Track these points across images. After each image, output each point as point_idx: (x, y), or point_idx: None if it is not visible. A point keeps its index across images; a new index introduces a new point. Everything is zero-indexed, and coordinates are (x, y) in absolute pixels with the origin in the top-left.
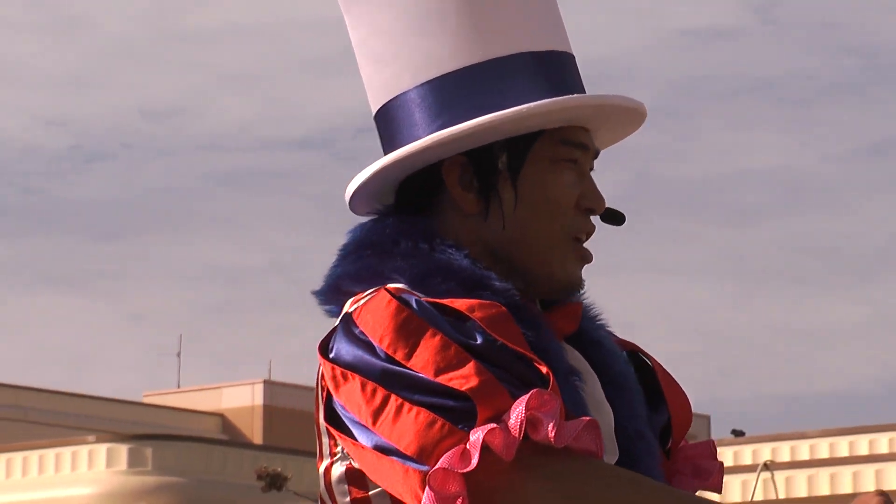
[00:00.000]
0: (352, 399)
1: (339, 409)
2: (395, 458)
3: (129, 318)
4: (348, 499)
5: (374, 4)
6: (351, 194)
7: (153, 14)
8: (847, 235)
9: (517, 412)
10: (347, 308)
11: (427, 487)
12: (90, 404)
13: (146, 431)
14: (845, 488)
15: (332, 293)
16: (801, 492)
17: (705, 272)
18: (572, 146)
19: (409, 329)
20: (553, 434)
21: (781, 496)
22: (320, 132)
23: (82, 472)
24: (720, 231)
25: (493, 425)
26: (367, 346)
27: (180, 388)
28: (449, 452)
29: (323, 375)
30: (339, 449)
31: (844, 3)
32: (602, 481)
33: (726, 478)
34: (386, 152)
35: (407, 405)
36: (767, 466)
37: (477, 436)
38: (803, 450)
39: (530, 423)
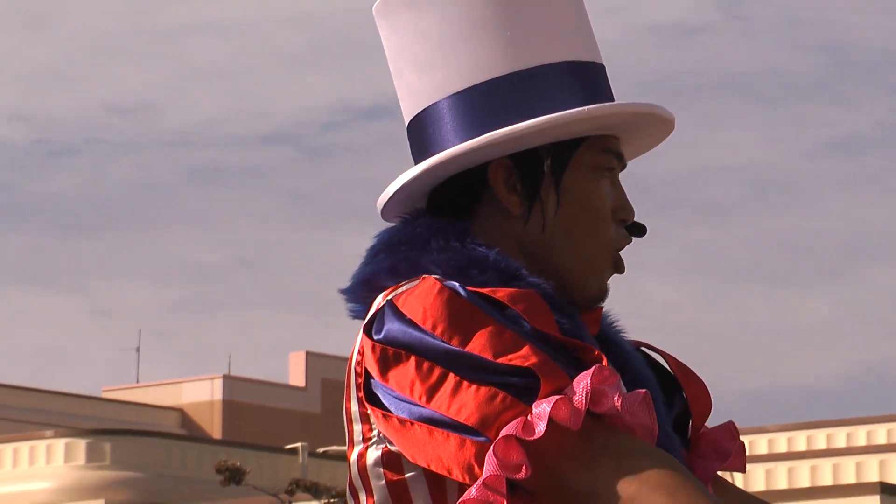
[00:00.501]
0: (404, 378)
1: (382, 391)
2: (449, 430)
3: (93, 314)
4: (383, 482)
5: (420, 10)
6: (389, 196)
7: (122, 9)
8: (814, 232)
9: (582, 385)
10: (383, 299)
11: (490, 454)
12: (49, 399)
13: (105, 426)
14: (803, 482)
15: (362, 290)
16: (759, 485)
17: (674, 268)
18: (612, 155)
19: (462, 315)
20: (619, 403)
21: None
22: (288, 128)
23: (40, 466)
24: (689, 227)
25: (558, 397)
26: (421, 330)
27: (139, 383)
28: (513, 422)
29: (362, 360)
30: (374, 433)
31: (813, 0)
32: (663, 464)
33: None
34: (424, 155)
35: (466, 382)
36: None
37: (542, 407)
38: (761, 444)
39: (594, 396)
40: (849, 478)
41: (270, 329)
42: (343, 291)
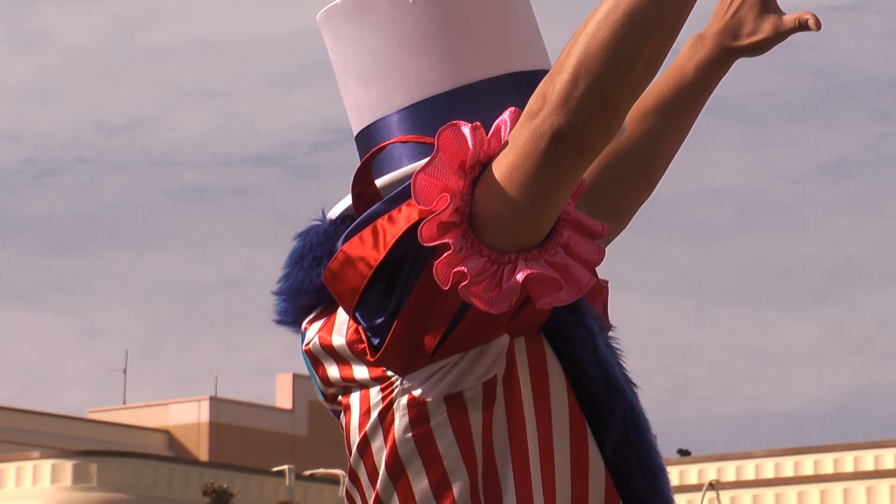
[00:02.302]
0: (362, 240)
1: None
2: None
3: (80, 334)
4: (410, 434)
5: (361, 24)
6: (342, 210)
7: (113, 28)
8: (802, 255)
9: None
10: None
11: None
12: (35, 420)
13: (92, 448)
14: None
15: (294, 297)
16: None
17: (660, 291)
18: None
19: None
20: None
21: None
22: (276, 148)
23: (27, 487)
24: (675, 250)
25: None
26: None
27: (126, 404)
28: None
29: (351, 329)
30: (396, 384)
31: None
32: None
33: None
34: (375, 171)
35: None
36: (713, 486)
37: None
38: (749, 469)
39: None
40: (837, 503)
41: (257, 350)
42: (276, 293)
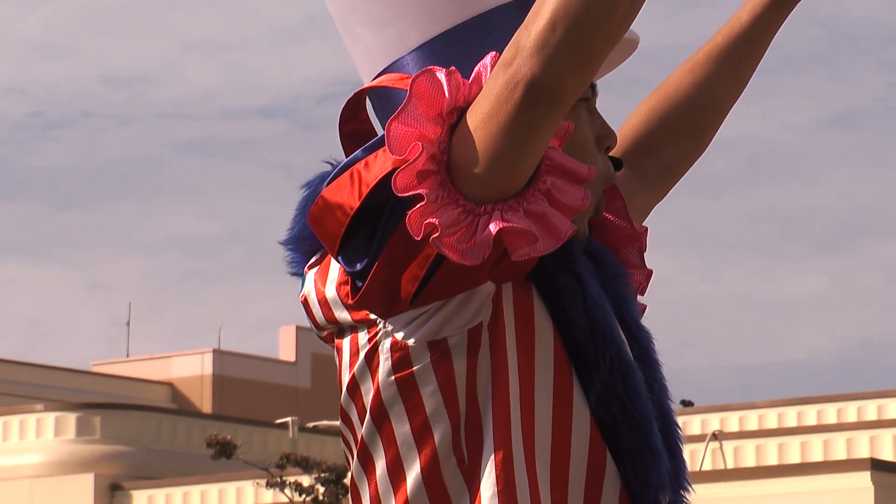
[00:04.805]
0: (343, 183)
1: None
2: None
3: (84, 288)
4: (393, 378)
5: None
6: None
7: None
8: (810, 206)
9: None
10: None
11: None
12: (38, 373)
13: (95, 401)
14: (793, 458)
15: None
16: (750, 461)
17: (667, 242)
18: (590, 87)
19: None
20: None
21: (730, 466)
22: (283, 101)
23: (30, 440)
24: (681, 201)
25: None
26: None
27: (129, 357)
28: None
29: (341, 280)
30: (379, 327)
31: None
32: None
33: None
34: (389, 114)
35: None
36: (716, 436)
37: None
38: (752, 420)
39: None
40: (839, 454)
41: (261, 303)
42: (284, 243)
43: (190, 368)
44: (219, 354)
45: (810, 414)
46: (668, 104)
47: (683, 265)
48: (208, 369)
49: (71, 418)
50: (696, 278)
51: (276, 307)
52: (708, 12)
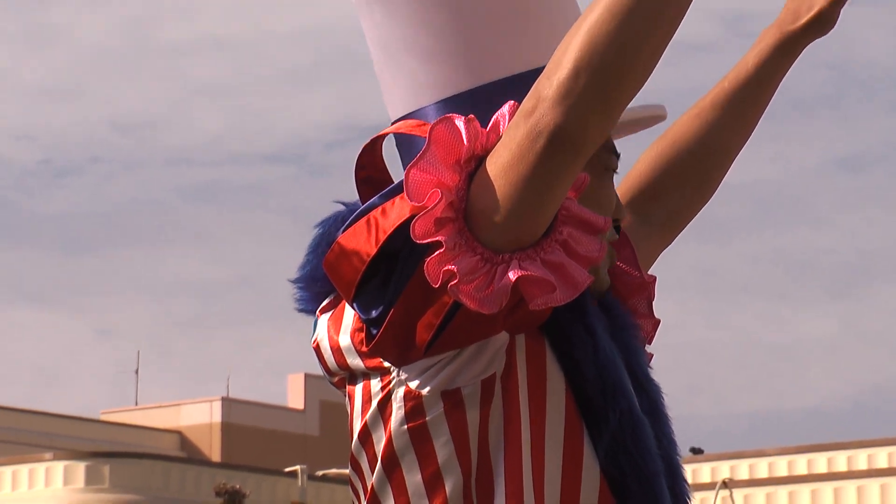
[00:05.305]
0: (359, 230)
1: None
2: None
3: (92, 335)
4: (405, 427)
5: (430, 1)
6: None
7: (128, 26)
8: (820, 250)
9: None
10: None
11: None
12: (48, 421)
13: (104, 449)
14: None
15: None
16: None
17: (676, 287)
18: (613, 154)
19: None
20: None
21: None
22: (291, 146)
23: (39, 489)
24: (691, 245)
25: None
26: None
27: (138, 405)
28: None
29: (357, 326)
30: (393, 375)
31: None
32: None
33: None
34: (413, 154)
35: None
36: (726, 484)
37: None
38: (762, 468)
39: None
40: (850, 502)
41: (269, 350)
42: (294, 281)
43: (199, 416)
44: (227, 402)
45: (820, 461)
46: (674, 149)
47: (691, 309)
48: (217, 417)
49: (80, 467)
50: (704, 323)
51: (285, 354)
52: (717, 57)
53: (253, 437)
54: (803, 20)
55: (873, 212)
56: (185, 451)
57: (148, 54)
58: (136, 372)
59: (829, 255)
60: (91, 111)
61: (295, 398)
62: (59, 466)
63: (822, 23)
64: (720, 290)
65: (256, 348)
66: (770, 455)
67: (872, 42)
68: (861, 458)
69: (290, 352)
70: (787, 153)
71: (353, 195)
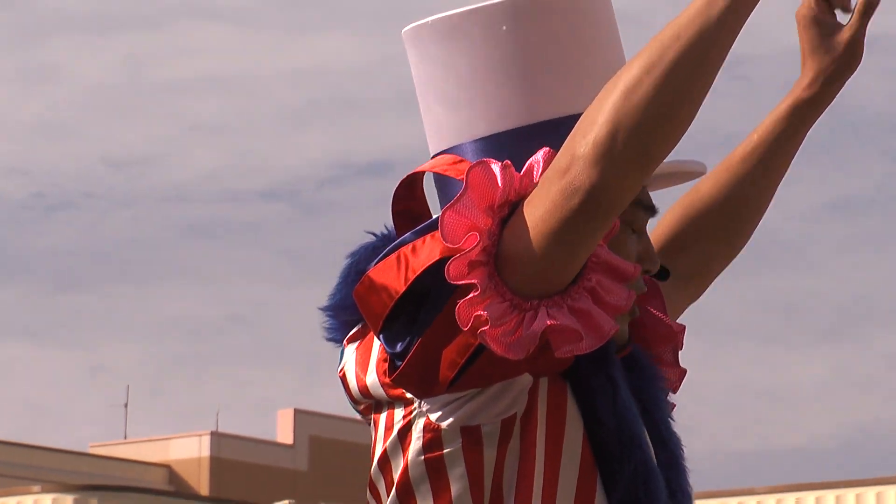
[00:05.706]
0: (389, 266)
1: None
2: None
3: (82, 370)
4: (422, 458)
5: (455, 48)
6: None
7: (122, 63)
8: (811, 293)
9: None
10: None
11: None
12: (35, 454)
13: (92, 482)
14: None
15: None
16: None
17: None
18: (642, 209)
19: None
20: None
21: None
22: (285, 184)
23: None
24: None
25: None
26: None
27: (127, 438)
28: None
29: (382, 353)
30: (415, 406)
31: None
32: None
33: None
34: (448, 192)
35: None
36: None
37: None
38: None
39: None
40: None
41: (259, 386)
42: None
43: (188, 450)
44: (217, 436)
45: (808, 501)
46: (703, 203)
47: (683, 352)
48: (206, 451)
49: (68, 500)
50: (695, 365)
51: (275, 390)
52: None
53: (242, 472)
54: (829, 61)
55: (866, 256)
56: (174, 485)
57: (142, 92)
58: (126, 406)
59: (821, 298)
60: (85, 147)
61: (284, 433)
62: (47, 499)
63: (852, 56)
64: (711, 332)
65: (247, 385)
66: (759, 493)
67: (864, 87)
68: (849, 498)
69: (280, 387)
70: (781, 196)
71: (346, 234)
